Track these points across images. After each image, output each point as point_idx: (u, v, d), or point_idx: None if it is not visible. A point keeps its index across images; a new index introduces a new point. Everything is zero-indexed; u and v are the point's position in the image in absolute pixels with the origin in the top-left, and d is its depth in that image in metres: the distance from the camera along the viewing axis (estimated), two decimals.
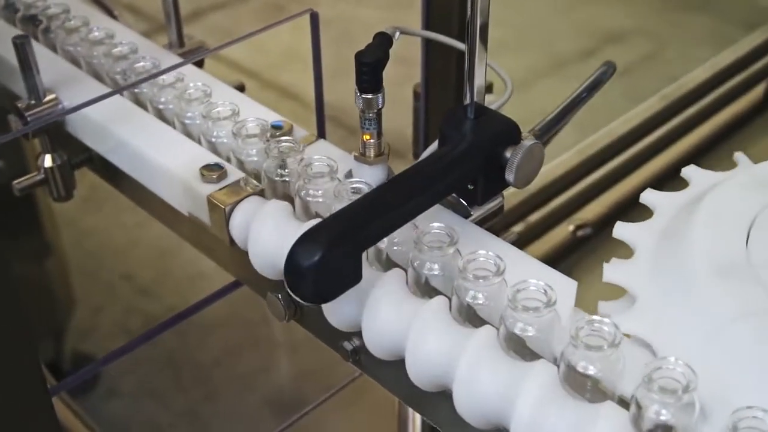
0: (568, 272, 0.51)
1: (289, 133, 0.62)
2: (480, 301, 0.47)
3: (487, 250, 0.47)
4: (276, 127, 0.62)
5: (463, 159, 0.50)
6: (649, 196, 0.55)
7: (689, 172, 0.58)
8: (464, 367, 0.44)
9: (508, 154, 0.51)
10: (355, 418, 0.86)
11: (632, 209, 0.57)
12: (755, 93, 1.05)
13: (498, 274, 0.46)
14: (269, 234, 0.53)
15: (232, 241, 0.56)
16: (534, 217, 0.83)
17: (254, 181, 0.58)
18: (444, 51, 0.66)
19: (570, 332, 0.43)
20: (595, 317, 0.44)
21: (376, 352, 0.49)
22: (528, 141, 0.52)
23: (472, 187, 0.53)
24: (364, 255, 0.51)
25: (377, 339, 0.48)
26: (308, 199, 0.54)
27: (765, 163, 0.56)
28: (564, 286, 0.47)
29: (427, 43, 0.71)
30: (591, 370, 0.43)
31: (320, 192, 0.53)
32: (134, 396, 1.03)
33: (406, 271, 0.50)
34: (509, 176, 0.52)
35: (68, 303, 1.12)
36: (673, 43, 1.34)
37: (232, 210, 0.56)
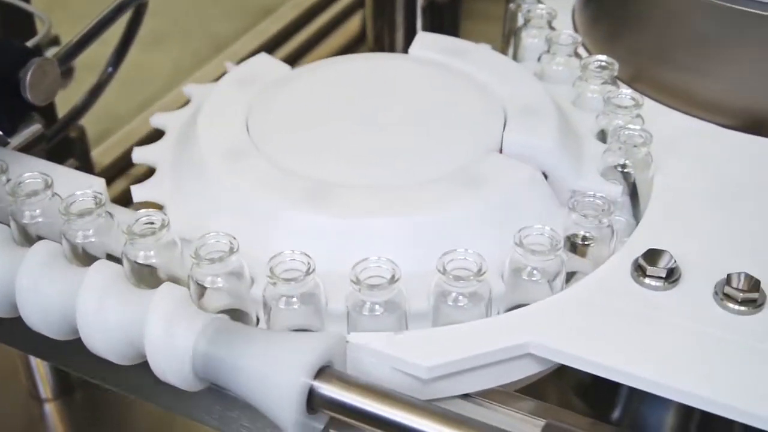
0: None
1: None
2: (38, 219, 0.48)
3: (32, 170, 0.49)
4: None
5: None
6: (158, 119, 0.59)
7: (189, 89, 0.62)
8: (23, 281, 0.45)
9: (21, 74, 0.54)
10: None
11: None
12: (353, 24, 1.11)
13: (47, 187, 0.48)
14: None
15: None
16: None
17: None
18: None
19: (123, 230, 0.46)
20: (140, 211, 0.47)
21: None
22: (37, 59, 0.54)
23: None
24: None
25: None
26: None
27: (244, 63, 0.61)
28: (97, 186, 0.51)
29: None
30: (152, 259, 0.46)
31: None
32: None
33: None
34: (25, 93, 0.54)
35: None
36: None
37: None
